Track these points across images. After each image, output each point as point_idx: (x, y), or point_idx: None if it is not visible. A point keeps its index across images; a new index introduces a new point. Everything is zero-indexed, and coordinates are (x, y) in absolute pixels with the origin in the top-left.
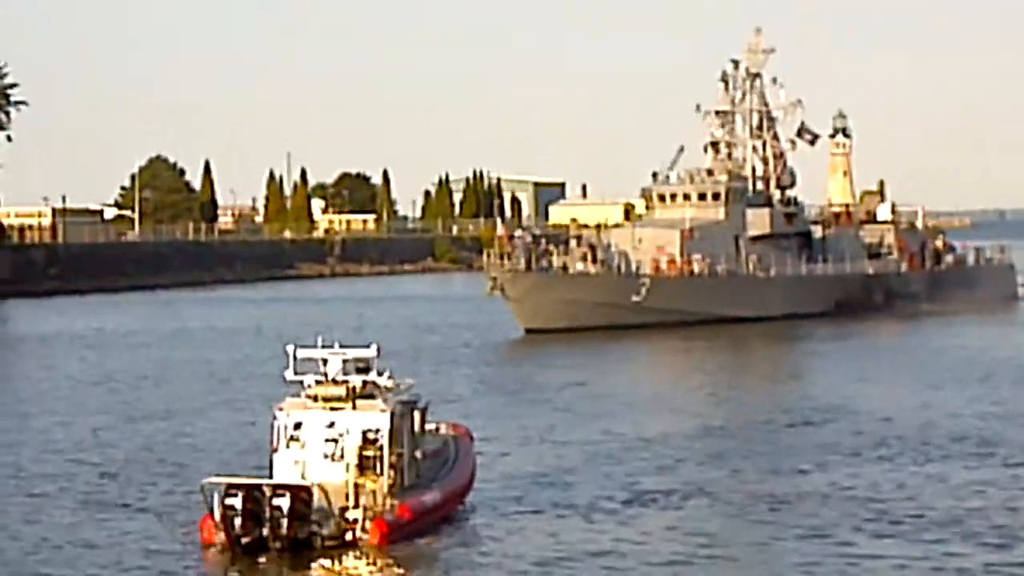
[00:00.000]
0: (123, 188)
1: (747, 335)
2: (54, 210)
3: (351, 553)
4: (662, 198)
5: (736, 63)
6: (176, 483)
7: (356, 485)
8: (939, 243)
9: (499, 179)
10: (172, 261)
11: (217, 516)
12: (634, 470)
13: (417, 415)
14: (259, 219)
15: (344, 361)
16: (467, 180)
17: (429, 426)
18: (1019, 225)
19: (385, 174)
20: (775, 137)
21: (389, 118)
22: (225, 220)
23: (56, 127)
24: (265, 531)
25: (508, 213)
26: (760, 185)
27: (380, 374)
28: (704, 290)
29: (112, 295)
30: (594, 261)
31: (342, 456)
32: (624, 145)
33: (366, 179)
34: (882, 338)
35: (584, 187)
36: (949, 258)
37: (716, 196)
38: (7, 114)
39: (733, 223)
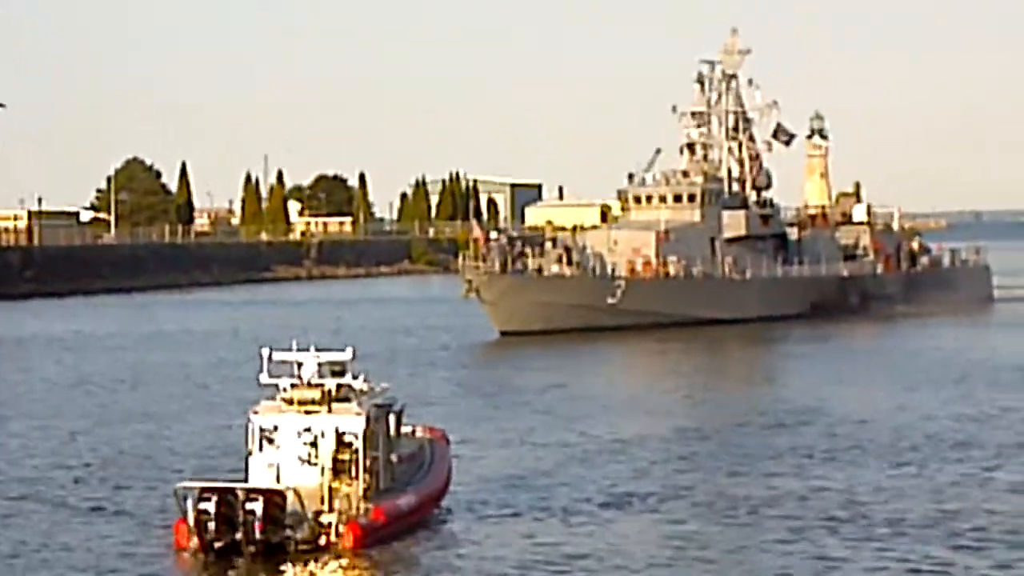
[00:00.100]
0: (99, 190)
1: (723, 337)
2: (30, 212)
3: (325, 557)
4: (637, 200)
5: (712, 64)
6: (152, 486)
7: (331, 489)
8: (915, 245)
9: (476, 181)
10: (148, 263)
11: (191, 520)
12: (611, 472)
13: (393, 418)
14: (236, 221)
15: (319, 364)
16: (444, 182)
17: (405, 429)
18: (995, 227)
19: (362, 176)
20: (751, 139)
21: (366, 120)
22: (201, 222)
23: (32, 129)
24: (239, 535)
25: (485, 215)
26: (736, 187)
27: (355, 377)
28: (680, 292)
29: (88, 298)
30: (569, 263)
31: (317, 460)
32: (601, 147)
33: (343, 181)
34: (858, 340)
35: (561, 189)
36: (925, 260)
37: (692, 198)
38: None
39: (709, 225)
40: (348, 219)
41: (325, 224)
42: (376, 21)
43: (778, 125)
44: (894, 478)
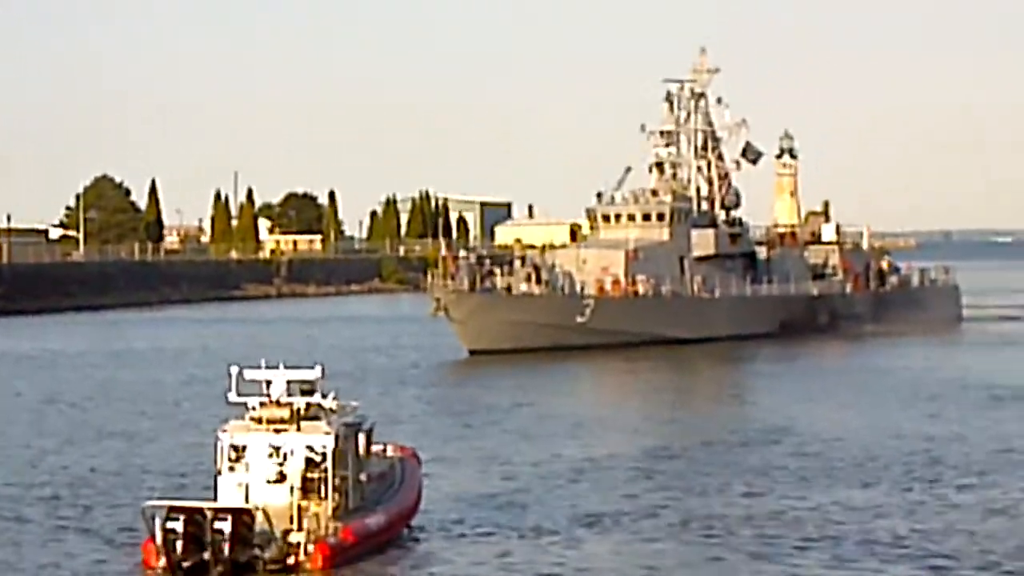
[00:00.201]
0: (68, 208)
1: (692, 356)
2: None
3: None
4: (606, 219)
5: (681, 83)
6: (121, 505)
7: (300, 508)
8: (884, 264)
9: (446, 199)
10: (118, 281)
11: (159, 539)
12: (581, 491)
13: (362, 437)
14: (205, 239)
15: (288, 382)
16: (414, 200)
17: (376, 448)
18: (964, 246)
19: (332, 194)
20: (720, 157)
21: (335, 138)
22: (171, 240)
23: (0, 146)
24: (207, 555)
25: (454, 233)
26: (705, 206)
27: (324, 396)
28: (648, 311)
29: (57, 315)
30: (538, 282)
31: (286, 479)
32: (571, 165)
33: (313, 199)
34: (827, 359)
35: (531, 207)
36: (894, 279)
37: (660, 217)
38: None
39: (677, 244)
40: (318, 237)
41: (295, 242)
42: (346, 40)
43: (747, 144)
44: (864, 497)
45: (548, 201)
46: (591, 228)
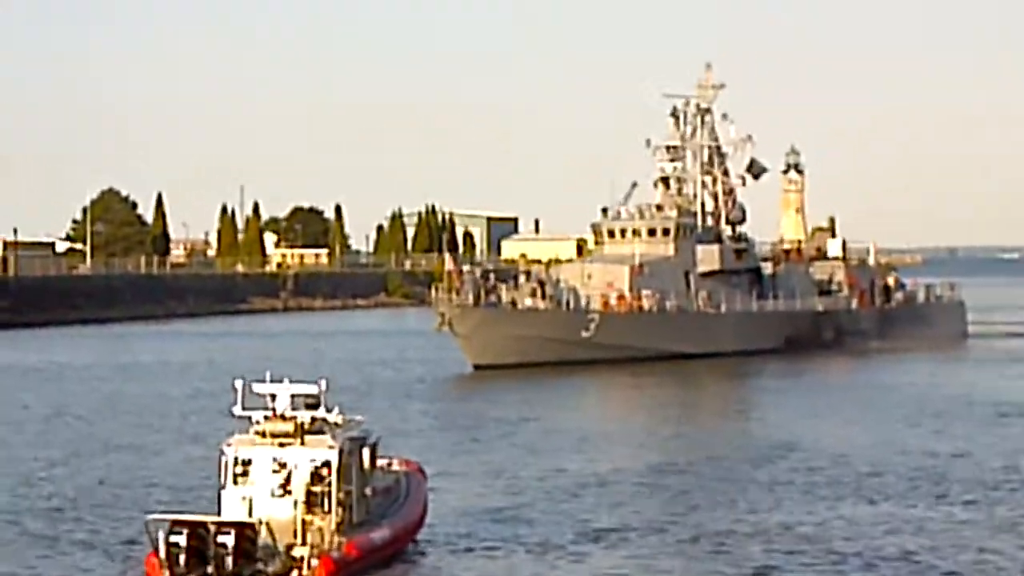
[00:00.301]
0: (75, 221)
1: (697, 371)
2: (5, 243)
3: None
4: (611, 234)
5: (687, 99)
6: (126, 518)
7: (304, 522)
8: (890, 280)
9: (452, 214)
10: (124, 294)
11: (162, 553)
12: (586, 506)
13: (367, 451)
14: (211, 253)
15: (293, 396)
16: (420, 215)
17: (381, 462)
18: (970, 263)
19: (338, 208)
20: (725, 173)
21: (342, 152)
22: (177, 254)
23: (7, 159)
24: (210, 569)
25: (461, 248)
26: (710, 221)
27: (329, 410)
28: (653, 326)
29: (64, 328)
30: (543, 297)
31: (290, 493)
32: (578, 180)
33: (319, 213)
34: (832, 375)
35: (537, 222)
36: (899, 295)
37: (666, 232)
38: None
39: (683, 259)
40: (324, 251)
41: (301, 256)
42: (353, 54)
43: (752, 160)
44: (869, 514)
45: (555, 216)
46: (596, 243)
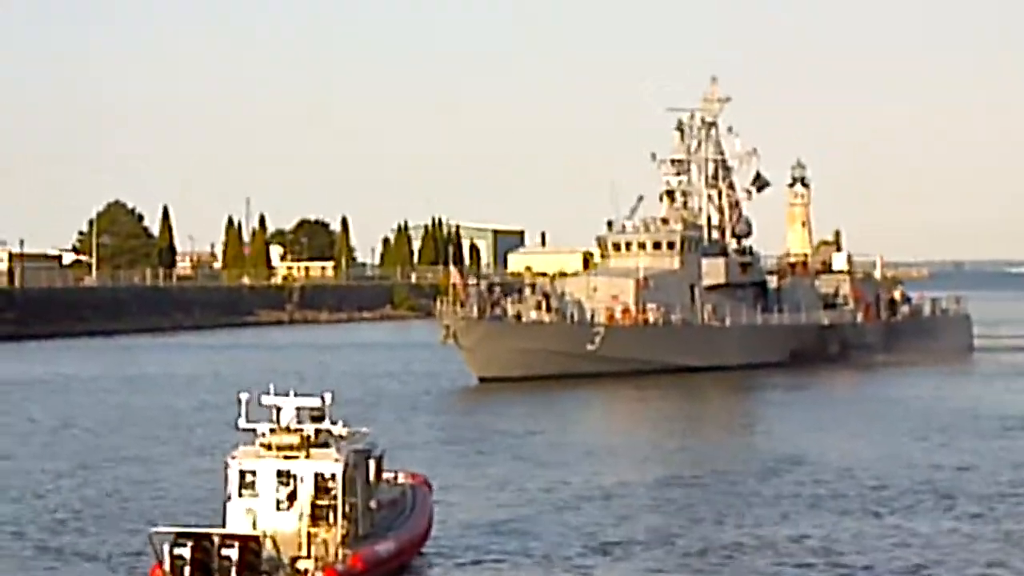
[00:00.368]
0: (81, 233)
1: (702, 384)
2: (11, 255)
3: None
4: (617, 247)
5: (692, 112)
6: (132, 530)
7: (309, 534)
8: (896, 294)
9: (458, 227)
10: (130, 307)
11: (166, 566)
12: (592, 519)
13: (372, 464)
14: (217, 265)
15: (298, 409)
16: (426, 227)
17: (388, 475)
18: (976, 276)
19: (344, 221)
20: (731, 186)
21: (348, 165)
22: (183, 266)
23: (14, 171)
24: None
25: (467, 261)
26: (716, 234)
27: (334, 422)
28: (659, 339)
29: (69, 340)
30: (548, 310)
31: (295, 505)
32: (585, 193)
33: (325, 226)
34: (837, 388)
35: (543, 235)
36: (905, 309)
37: (671, 245)
38: None
39: (688, 272)
40: (330, 264)
41: (307, 269)
42: (358, 67)
43: (757, 173)
44: (875, 527)
45: (561, 229)
46: (602, 256)
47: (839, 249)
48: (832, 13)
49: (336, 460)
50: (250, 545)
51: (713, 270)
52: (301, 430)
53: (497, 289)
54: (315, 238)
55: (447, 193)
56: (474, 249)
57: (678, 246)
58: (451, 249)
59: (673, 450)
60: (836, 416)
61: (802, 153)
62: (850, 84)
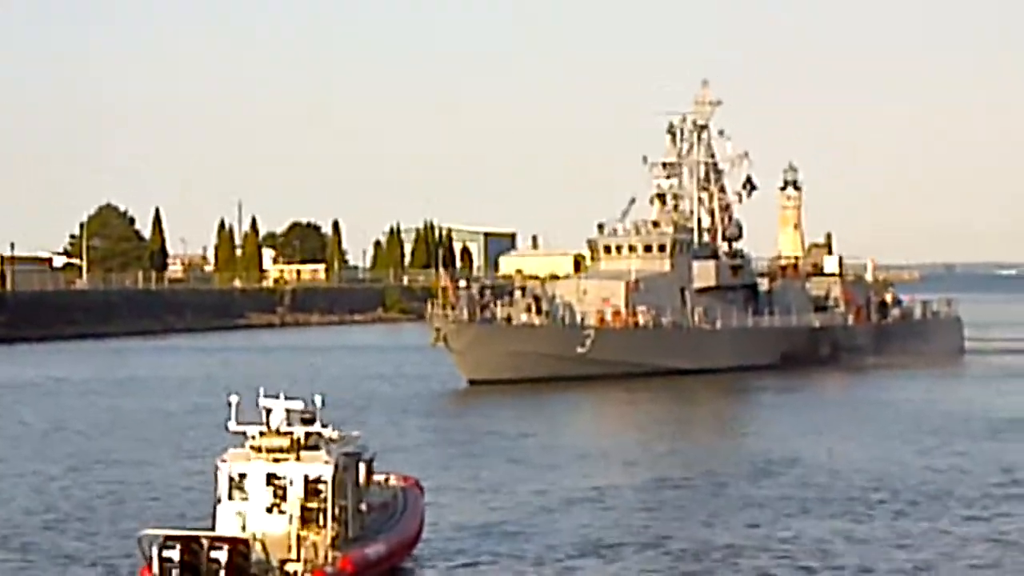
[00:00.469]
0: (72, 236)
1: (693, 387)
2: (2, 258)
3: None
4: (607, 249)
5: (683, 115)
6: (122, 533)
7: (298, 537)
8: (887, 296)
9: (449, 229)
10: (121, 309)
11: (155, 568)
12: (583, 521)
13: (363, 467)
14: (209, 268)
15: (288, 411)
16: (417, 230)
17: (379, 477)
18: (968, 279)
19: (335, 224)
20: (722, 189)
21: (340, 168)
22: (175, 269)
23: (4, 174)
24: None
25: (458, 263)
26: (706, 237)
27: (324, 425)
28: (649, 342)
29: (61, 343)
30: (538, 312)
31: (285, 508)
32: (576, 196)
33: (316, 229)
34: (828, 391)
35: (535, 238)
36: (896, 311)
37: (662, 248)
38: None
39: (679, 275)
40: (322, 266)
41: (298, 271)
42: (350, 69)
43: (748, 177)
44: (867, 529)
45: (553, 232)
46: (592, 259)
47: (830, 252)
48: (826, 16)
49: (326, 463)
50: (239, 548)
51: (704, 273)
52: (291, 433)
53: (488, 292)
54: (307, 241)
55: (439, 196)
56: (466, 252)
57: (669, 249)
58: (442, 252)
59: (664, 452)
60: (827, 418)
61: (794, 156)
62: (841, 87)
